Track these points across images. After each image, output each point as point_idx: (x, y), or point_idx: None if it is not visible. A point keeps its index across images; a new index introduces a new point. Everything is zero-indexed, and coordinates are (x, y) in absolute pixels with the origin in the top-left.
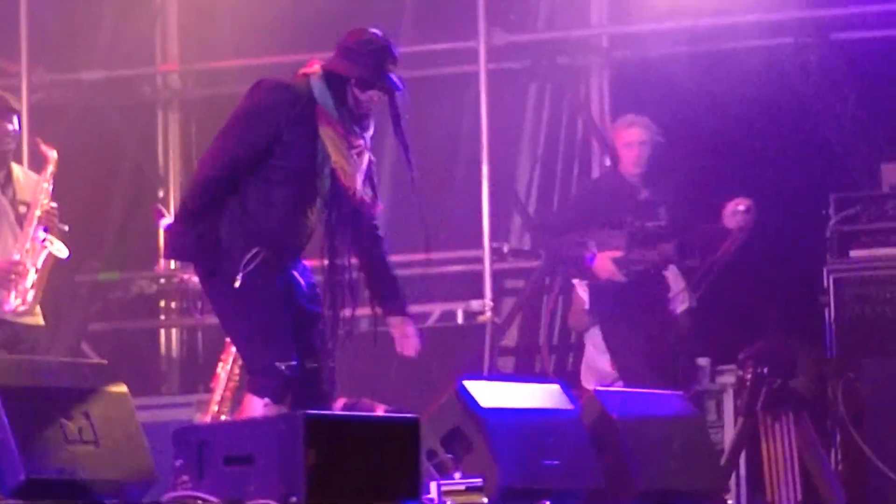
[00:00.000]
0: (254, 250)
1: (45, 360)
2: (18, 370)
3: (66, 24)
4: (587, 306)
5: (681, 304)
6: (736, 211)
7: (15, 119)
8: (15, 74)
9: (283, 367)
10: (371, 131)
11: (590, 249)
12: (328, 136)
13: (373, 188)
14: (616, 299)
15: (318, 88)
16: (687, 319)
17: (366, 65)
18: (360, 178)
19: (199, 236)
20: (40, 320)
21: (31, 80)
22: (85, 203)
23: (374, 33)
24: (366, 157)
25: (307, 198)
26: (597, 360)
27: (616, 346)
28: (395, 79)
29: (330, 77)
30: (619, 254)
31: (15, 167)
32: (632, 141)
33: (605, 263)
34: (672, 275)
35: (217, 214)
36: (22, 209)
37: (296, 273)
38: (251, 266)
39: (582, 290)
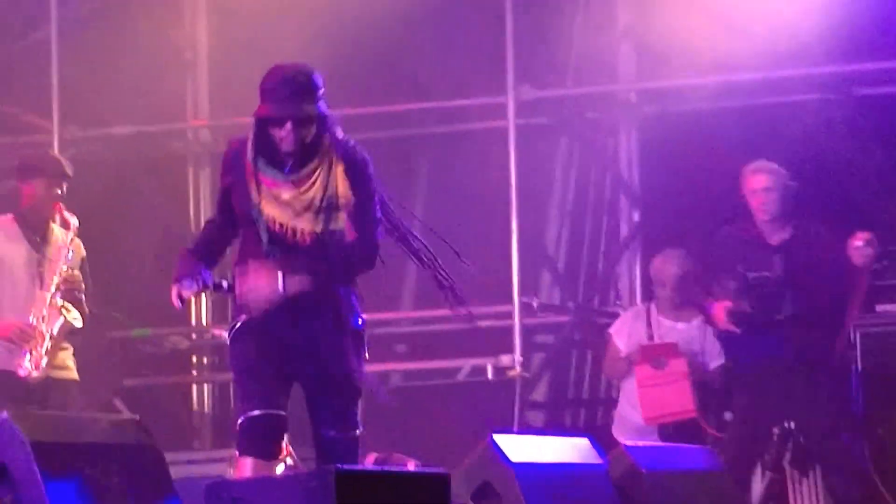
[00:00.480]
0: (236, 318)
1: (77, 415)
2: (51, 426)
3: (96, 80)
4: (623, 354)
5: (715, 360)
6: (856, 247)
7: (64, 185)
8: (47, 131)
9: (240, 420)
10: (313, 165)
11: (708, 298)
12: (252, 187)
13: (327, 209)
14: (732, 349)
15: (250, 140)
16: (718, 376)
17: (271, 100)
18: (301, 222)
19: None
20: (73, 374)
21: (62, 135)
22: (116, 258)
23: (279, 67)
24: (307, 196)
25: (261, 250)
26: (629, 413)
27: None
28: (307, 107)
29: (255, 125)
30: (729, 304)
31: (54, 227)
32: (756, 188)
33: (719, 313)
34: (702, 332)
35: None
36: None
37: (288, 333)
38: (232, 333)
39: (619, 339)
